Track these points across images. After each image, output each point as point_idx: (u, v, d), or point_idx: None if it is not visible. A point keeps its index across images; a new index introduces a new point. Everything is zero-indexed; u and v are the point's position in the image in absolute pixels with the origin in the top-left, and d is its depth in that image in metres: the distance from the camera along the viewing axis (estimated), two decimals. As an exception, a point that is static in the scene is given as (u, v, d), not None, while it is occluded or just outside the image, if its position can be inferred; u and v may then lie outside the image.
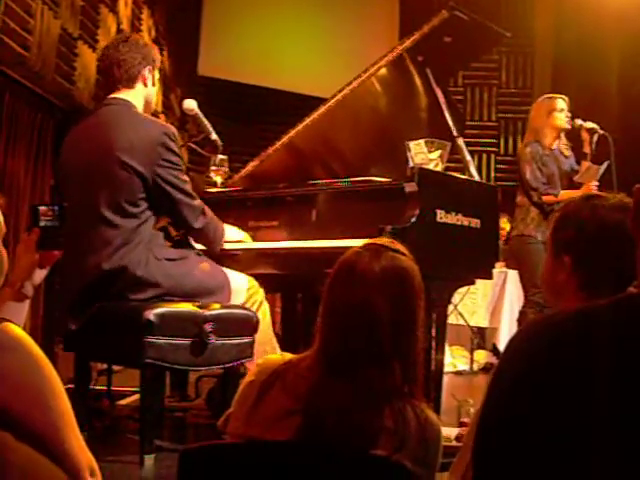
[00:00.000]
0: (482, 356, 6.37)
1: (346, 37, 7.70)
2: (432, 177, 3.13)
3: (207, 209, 3.12)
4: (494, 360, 6.11)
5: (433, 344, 3.07)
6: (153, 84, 3.16)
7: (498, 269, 5.70)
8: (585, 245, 1.62)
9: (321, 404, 1.54)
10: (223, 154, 3.62)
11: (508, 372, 1.02)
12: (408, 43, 3.41)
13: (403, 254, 1.69)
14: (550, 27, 8.12)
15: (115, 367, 3.59)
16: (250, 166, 3.82)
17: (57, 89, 4.78)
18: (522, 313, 4.70)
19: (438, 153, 3.25)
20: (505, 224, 6.33)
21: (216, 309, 2.96)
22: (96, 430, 3.12)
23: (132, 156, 2.91)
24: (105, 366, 3.54)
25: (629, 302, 0.97)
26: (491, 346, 6.43)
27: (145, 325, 2.76)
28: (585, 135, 4.67)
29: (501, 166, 8.08)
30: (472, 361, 6.23)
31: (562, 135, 4.73)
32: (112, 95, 3.08)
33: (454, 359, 6.18)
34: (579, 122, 4.67)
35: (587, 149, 4.67)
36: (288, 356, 1.69)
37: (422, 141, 3.25)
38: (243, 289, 3.17)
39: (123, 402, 3.70)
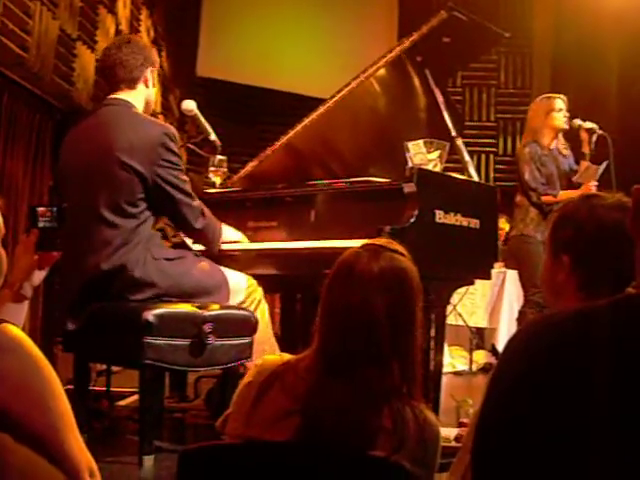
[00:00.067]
0: (481, 356, 6.37)
1: (345, 38, 7.69)
2: (431, 177, 3.13)
3: (206, 209, 3.13)
4: (493, 360, 6.12)
5: (432, 344, 3.07)
6: (153, 85, 3.18)
7: (497, 269, 5.70)
8: (584, 245, 1.62)
9: (320, 404, 1.54)
10: (222, 155, 3.62)
11: (507, 372, 1.01)
12: (407, 44, 3.42)
13: (402, 254, 1.69)
14: (549, 27, 8.12)
15: (114, 368, 3.59)
16: (249, 167, 3.82)
17: (56, 90, 4.78)
18: (521, 313, 4.70)
19: (437, 153, 3.25)
20: (504, 224, 6.33)
21: (215, 310, 2.96)
22: (95, 431, 3.12)
23: (132, 156, 2.91)
24: (104, 367, 3.54)
25: (628, 302, 0.97)
26: (490, 346, 6.43)
27: (144, 326, 2.76)
28: (584, 135, 4.67)
29: (500, 166, 8.08)
30: (471, 361, 6.23)
31: (560, 135, 4.73)
32: (112, 95, 3.09)
33: (453, 359, 6.18)
34: (578, 122, 4.66)
35: (586, 149, 4.67)
36: (287, 357, 1.69)
37: (421, 141, 3.25)
38: (242, 288, 3.17)
39: (122, 403, 3.70)
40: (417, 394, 1.63)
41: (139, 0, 6.26)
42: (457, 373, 6.05)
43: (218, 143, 3.53)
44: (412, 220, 2.94)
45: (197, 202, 3.09)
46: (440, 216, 3.07)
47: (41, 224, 2.09)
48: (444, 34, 3.40)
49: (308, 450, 1.45)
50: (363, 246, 1.70)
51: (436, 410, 3.01)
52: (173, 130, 3.05)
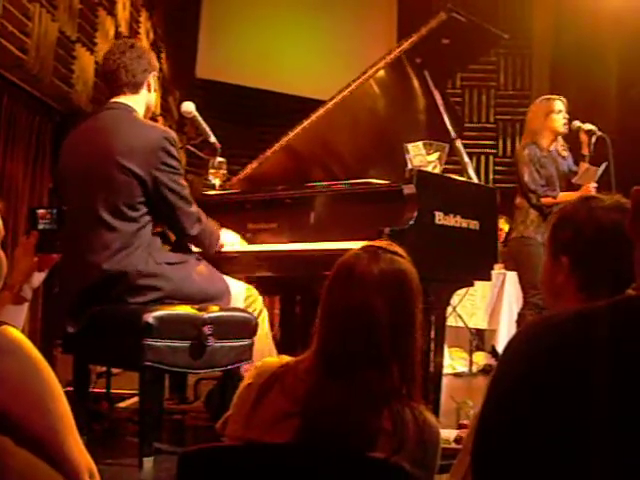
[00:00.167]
0: (481, 358, 6.37)
1: (344, 39, 7.70)
2: (430, 179, 3.13)
3: (203, 215, 3.12)
4: (493, 362, 6.11)
5: (432, 346, 3.07)
6: (155, 90, 3.19)
7: (497, 270, 5.70)
8: (583, 246, 1.62)
9: (319, 406, 1.54)
10: (222, 156, 3.62)
11: (507, 374, 1.01)
12: (406, 45, 3.41)
13: (401, 256, 1.69)
14: (548, 29, 8.12)
15: (114, 370, 3.59)
16: (249, 168, 3.82)
17: (55, 92, 4.78)
18: (521, 315, 4.70)
19: (436, 155, 3.25)
20: (503, 224, 6.34)
21: (215, 312, 2.96)
22: (95, 433, 3.12)
23: (131, 160, 2.91)
24: (104, 369, 3.54)
25: (627, 304, 0.97)
26: (490, 348, 6.43)
27: (144, 328, 2.76)
28: (583, 137, 4.67)
29: (499, 168, 8.08)
30: (471, 363, 6.23)
31: (559, 136, 4.73)
32: (114, 99, 3.09)
33: (453, 361, 6.18)
34: (577, 124, 4.66)
35: (585, 151, 4.67)
36: (286, 358, 1.69)
37: (420, 143, 3.25)
38: (240, 298, 3.18)
39: (122, 405, 3.70)
40: (417, 395, 1.63)
41: (138, 2, 6.27)
42: (457, 374, 6.05)
43: (217, 145, 3.53)
44: (412, 222, 2.94)
45: (194, 208, 3.08)
46: (440, 218, 3.07)
47: (41, 226, 2.09)
48: (443, 35, 3.40)
49: (308, 452, 1.45)
50: (363, 248, 1.70)
51: (436, 412, 3.01)
52: (173, 134, 3.05)
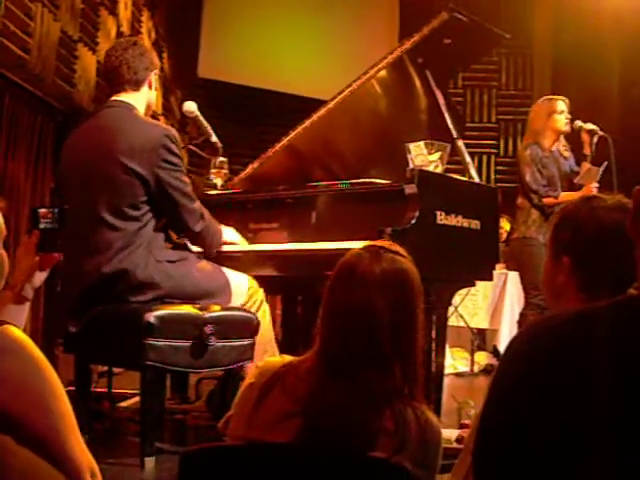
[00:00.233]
0: (482, 358, 6.36)
1: (346, 39, 7.69)
2: (432, 179, 3.13)
3: (206, 212, 3.13)
4: (494, 362, 6.11)
5: (433, 346, 3.07)
6: (155, 88, 3.19)
7: (498, 270, 5.70)
8: (584, 246, 1.62)
9: (321, 406, 1.54)
10: (223, 156, 3.62)
11: (508, 374, 1.02)
12: (408, 45, 3.42)
13: (403, 256, 1.69)
14: (549, 29, 8.12)
15: (115, 369, 3.59)
16: (250, 168, 3.82)
17: (57, 92, 4.78)
18: (522, 315, 4.70)
19: (438, 155, 3.25)
20: (504, 223, 6.33)
21: (216, 311, 2.96)
22: (97, 432, 3.12)
23: (133, 159, 2.92)
24: (106, 368, 3.54)
25: (629, 303, 0.97)
26: (492, 348, 6.43)
27: (145, 327, 2.76)
28: (585, 136, 4.67)
29: (501, 167, 8.08)
30: (473, 363, 6.23)
31: (561, 137, 4.73)
32: (115, 97, 3.09)
33: (455, 361, 6.17)
34: (579, 124, 4.66)
35: (587, 150, 4.67)
36: (288, 358, 1.69)
37: (422, 143, 3.25)
38: (243, 290, 3.18)
39: (124, 404, 3.70)
40: (419, 395, 1.63)
41: (140, 2, 6.27)
42: (458, 374, 6.05)
43: (219, 145, 3.53)
44: (413, 221, 2.94)
45: (197, 204, 3.09)
46: (441, 217, 3.07)
47: (42, 225, 2.09)
48: (445, 35, 3.40)
49: (309, 451, 1.45)
50: (364, 248, 1.70)
51: (437, 411, 3.01)
52: (174, 132, 3.05)
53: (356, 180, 3.36)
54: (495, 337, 6.35)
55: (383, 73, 3.53)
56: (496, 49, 6.90)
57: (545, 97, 4.88)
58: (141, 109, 3.11)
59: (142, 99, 3.12)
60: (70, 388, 2.82)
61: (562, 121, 4.64)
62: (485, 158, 8.12)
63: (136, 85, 3.08)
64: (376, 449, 1.50)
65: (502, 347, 5.97)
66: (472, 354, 6.28)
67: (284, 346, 3.36)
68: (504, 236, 6.24)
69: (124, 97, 3.08)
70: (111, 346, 2.93)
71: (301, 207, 3.39)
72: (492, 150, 8.16)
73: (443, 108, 3.50)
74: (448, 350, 5.21)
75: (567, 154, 4.77)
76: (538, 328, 1.03)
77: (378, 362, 1.59)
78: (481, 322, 6.44)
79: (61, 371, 2.35)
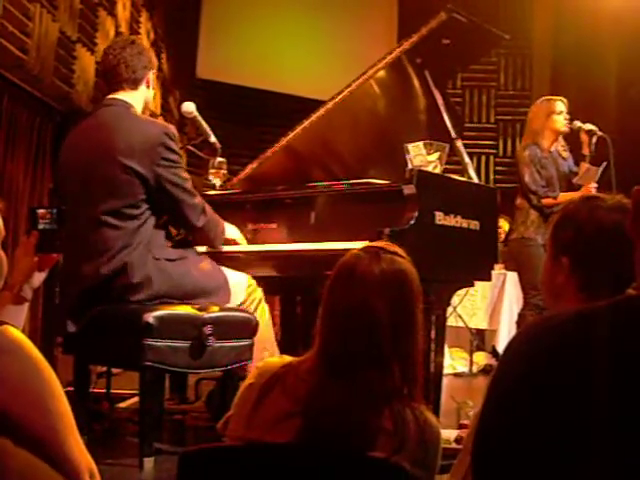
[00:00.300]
0: (481, 358, 6.37)
1: (345, 39, 7.70)
2: (431, 179, 3.13)
3: (207, 207, 3.13)
4: (493, 362, 6.11)
5: (432, 346, 3.07)
6: (152, 87, 3.19)
7: (497, 271, 5.71)
8: (583, 246, 1.62)
9: (321, 406, 1.54)
10: (222, 156, 3.62)
11: (507, 374, 1.01)
12: (406, 45, 3.41)
13: (402, 257, 1.69)
14: (548, 29, 8.12)
15: (114, 370, 3.59)
16: (249, 168, 3.82)
17: (56, 92, 4.78)
18: (521, 316, 4.70)
19: (437, 155, 3.25)
20: (504, 224, 6.34)
21: (215, 312, 2.96)
22: (96, 433, 3.12)
23: (132, 158, 2.92)
24: (104, 369, 3.54)
25: (628, 304, 0.97)
26: (490, 348, 6.43)
27: (145, 328, 2.76)
28: (584, 137, 4.67)
29: (500, 168, 8.08)
30: (471, 363, 6.23)
31: (560, 137, 4.73)
32: (112, 95, 3.09)
33: (453, 361, 6.17)
34: (578, 124, 4.66)
35: (586, 151, 4.67)
36: (288, 358, 1.69)
37: (421, 143, 3.25)
38: (242, 288, 3.18)
39: (123, 405, 3.70)
40: (418, 395, 1.63)
41: (139, 2, 6.27)
42: (457, 375, 6.05)
43: (218, 145, 3.53)
44: (412, 222, 2.94)
45: (198, 199, 3.10)
46: (440, 218, 3.07)
47: (41, 226, 2.09)
48: (444, 36, 3.39)
49: (309, 452, 1.44)
50: (363, 248, 1.70)
51: (436, 412, 3.01)
52: (173, 129, 3.05)
53: (355, 180, 3.35)
54: (494, 337, 6.35)
55: (382, 73, 3.53)
56: (495, 49, 6.90)
57: (544, 97, 4.88)
58: (139, 108, 3.11)
59: (140, 98, 3.12)
60: (69, 389, 2.82)
61: (561, 122, 4.64)
62: (484, 158, 8.12)
63: (134, 84, 3.08)
64: (375, 449, 1.50)
65: (501, 347, 5.97)
66: (471, 354, 6.29)
67: (283, 346, 3.36)
68: (503, 236, 6.24)
69: (122, 96, 3.07)
70: (110, 346, 2.93)
71: (300, 207, 3.39)
72: (491, 150, 8.17)
73: (442, 108, 3.50)
74: (447, 350, 5.21)
75: (566, 154, 4.77)
76: (537, 328, 1.03)
77: (377, 362, 1.59)
78: (480, 322, 6.44)
79: (60, 372, 2.35)
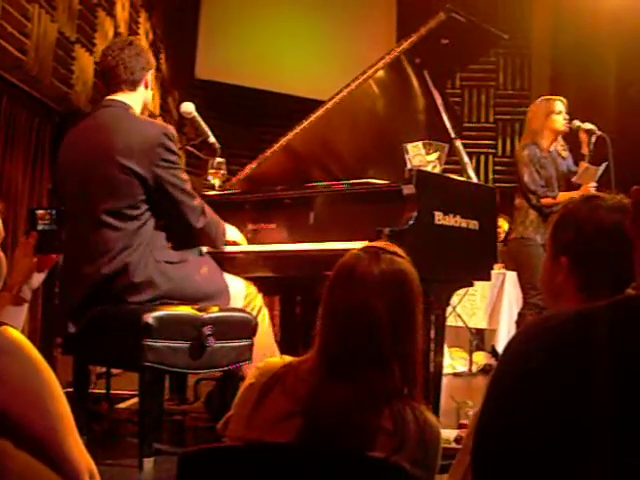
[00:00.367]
0: (481, 358, 6.37)
1: (344, 40, 7.70)
2: (430, 179, 3.13)
3: (207, 208, 3.13)
4: (493, 362, 6.11)
5: (432, 346, 3.07)
6: (151, 87, 3.19)
7: (497, 270, 5.70)
8: (583, 246, 1.62)
9: (321, 406, 1.54)
10: (221, 157, 3.62)
11: (507, 374, 1.01)
12: (405, 45, 3.41)
13: (401, 257, 1.69)
14: (547, 29, 8.12)
15: (114, 370, 3.59)
16: (248, 169, 3.82)
17: (55, 93, 4.78)
18: (521, 315, 4.70)
19: (436, 155, 3.25)
20: (503, 224, 6.34)
21: (215, 312, 2.96)
22: (95, 433, 3.12)
23: (131, 159, 2.91)
24: (104, 369, 3.54)
25: (628, 303, 0.97)
26: (490, 348, 6.43)
27: (144, 328, 2.76)
28: (583, 136, 4.67)
29: (499, 167, 8.08)
30: (471, 363, 6.23)
31: (559, 137, 4.73)
32: (111, 96, 3.08)
33: (453, 361, 6.18)
34: (577, 123, 4.66)
35: (585, 150, 4.67)
36: (288, 359, 1.69)
37: (420, 143, 3.25)
38: (240, 296, 3.18)
39: (122, 405, 3.70)
40: (418, 395, 1.63)
41: (138, 3, 6.27)
42: (457, 374, 6.05)
43: (217, 145, 3.53)
44: (411, 222, 2.94)
45: (197, 201, 3.09)
46: (439, 218, 3.07)
47: (40, 227, 2.09)
48: (443, 36, 3.39)
49: (309, 452, 1.44)
50: (363, 249, 1.70)
51: (436, 411, 3.01)
52: (172, 130, 3.05)
53: (354, 180, 3.35)
54: (493, 337, 6.35)
55: (381, 73, 3.53)
56: (494, 49, 6.89)
57: (543, 97, 4.88)
58: (137, 109, 3.11)
59: (138, 99, 3.12)
60: (68, 389, 2.82)
61: (560, 121, 4.64)
62: (483, 158, 8.12)
63: (133, 85, 3.08)
64: (375, 449, 1.50)
65: (500, 347, 5.97)
66: (470, 354, 6.29)
67: (283, 346, 3.36)
68: (502, 236, 6.24)
69: (120, 97, 3.07)
70: (109, 347, 2.93)
71: (299, 207, 3.39)
72: (490, 150, 8.17)
73: (441, 108, 3.50)
74: (446, 350, 5.21)
75: (565, 154, 4.77)
76: (537, 328, 1.03)
77: (377, 362, 1.59)
78: (479, 322, 6.44)
79: (59, 372, 2.35)
